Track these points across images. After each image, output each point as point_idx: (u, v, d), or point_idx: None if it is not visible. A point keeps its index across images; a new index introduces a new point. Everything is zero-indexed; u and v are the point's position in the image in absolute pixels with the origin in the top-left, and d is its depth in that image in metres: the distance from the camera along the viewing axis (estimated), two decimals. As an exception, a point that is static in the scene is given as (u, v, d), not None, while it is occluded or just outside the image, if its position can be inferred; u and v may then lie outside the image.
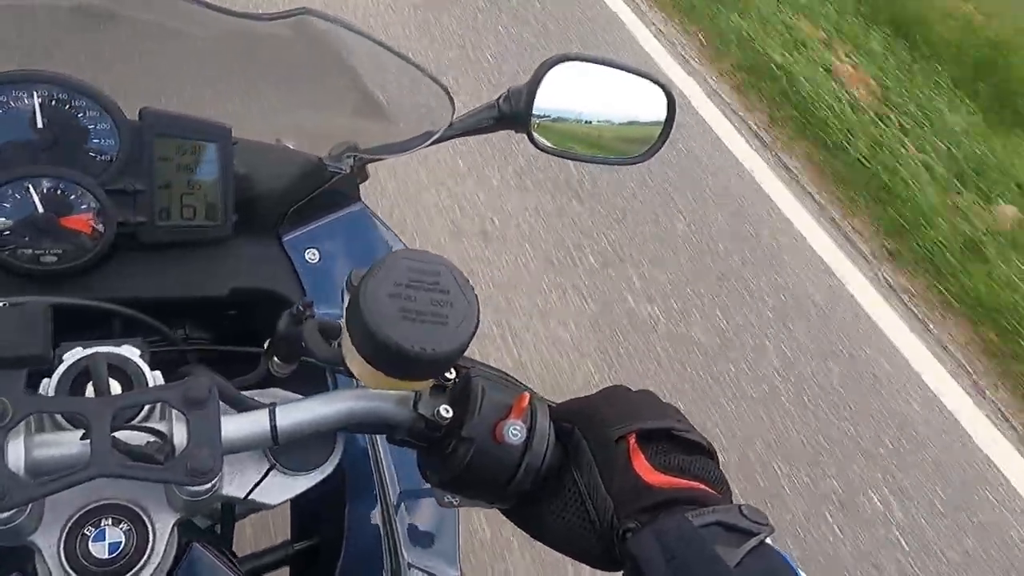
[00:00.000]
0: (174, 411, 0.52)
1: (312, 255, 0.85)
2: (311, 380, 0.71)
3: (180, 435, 0.51)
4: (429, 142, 0.81)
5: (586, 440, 0.56)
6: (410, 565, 0.76)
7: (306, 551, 0.85)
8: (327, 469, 0.62)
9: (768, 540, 0.49)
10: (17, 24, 0.75)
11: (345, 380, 0.74)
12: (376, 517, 0.77)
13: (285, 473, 0.61)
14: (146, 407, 0.54)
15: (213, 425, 0.51)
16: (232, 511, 0.75)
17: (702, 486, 0.53)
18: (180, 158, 0.75)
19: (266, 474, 0.60)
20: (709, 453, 0.57)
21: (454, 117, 0.86)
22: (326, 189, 0.85)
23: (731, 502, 0.53)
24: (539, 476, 0.56)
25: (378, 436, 0.81)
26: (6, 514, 0.47)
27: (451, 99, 0.78)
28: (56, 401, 0.52)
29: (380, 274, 0.48)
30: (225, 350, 0.76)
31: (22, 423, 0.47)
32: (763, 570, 0.47)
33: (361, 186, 0.94)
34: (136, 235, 0.75)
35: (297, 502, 0.93)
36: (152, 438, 0.52)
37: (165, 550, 0.56)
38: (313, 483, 0.62)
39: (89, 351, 0.56)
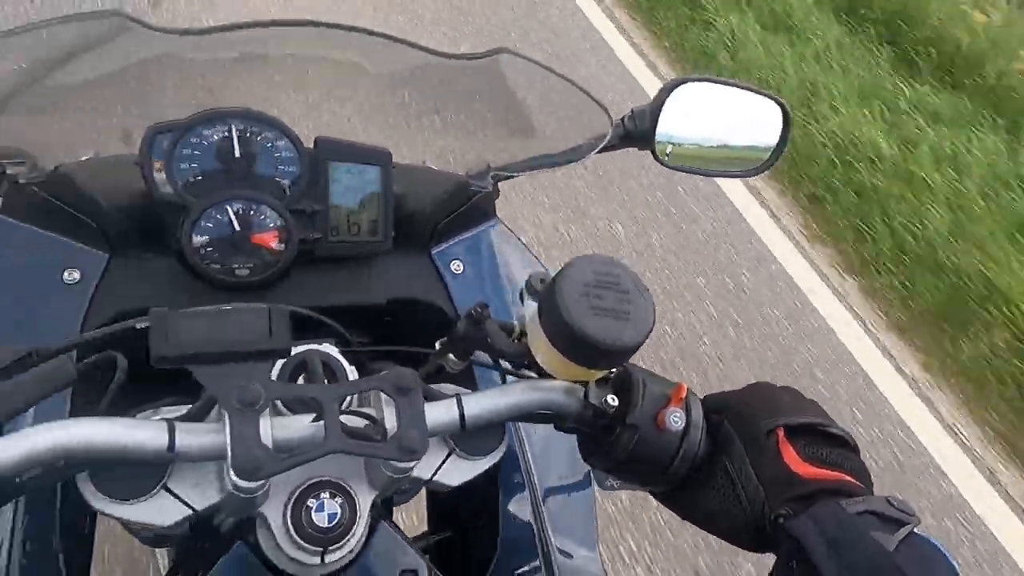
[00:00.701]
0: (384, 397, 0.60)
1: (457, 266, 0.93)
2: (459, 378, 0.79)
3: (390, 419, 0.59)
4: (562, 163, 0.88)
5: (736, 432, 0.62)
6: (558, 549, 0.82)
7: (443, 541, 0.93)
8: (498, 455, 0.69)
9: (917, 530, 0.53)
10: (204, 65, 0.85)
11: (488, 378, 0.81)
12: (525, 506, 0.84)
13: (463, 457, 0.68)
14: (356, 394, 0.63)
15: (419, 410, 0.58)
16: (391, 501, 0.83)
17: (848, 477, 0.58)
18: (349, 180, 0.85)
19: (447, 458, 0.68)
20: (852, 447, 0.61)
21: (611, 135, 0.93)
22: (469, 206, 0.93)
23: (875, 494, 0.58)
24: (694, 463, 0.62)
25: (524, 433, 0.88)
26: (256, 484, 0.55)
27: (609, 116, 0.85)
28: (296, 387, 0.60)
29: (572, 276, 0.55)
30: (396, 350, 0.84)
31: (267, 408, 0.56)
32: (918, 556, 0.51)
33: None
34: (312, 250, 0.84)
35: (434, 495, 1.01)
36: (367, 422, 0.60)
37: (366, 524, 0.64)
38: (486, 467, 0.69)
39: (304, 348, 0.65)
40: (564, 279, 0.55)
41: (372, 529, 0.69)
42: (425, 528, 1.01)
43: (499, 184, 1.00)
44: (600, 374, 0.59)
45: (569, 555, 0.84)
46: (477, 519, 0.90)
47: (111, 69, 0.76)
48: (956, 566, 0.51)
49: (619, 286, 0.56)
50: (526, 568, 0.81)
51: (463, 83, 0.88)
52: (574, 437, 0.89)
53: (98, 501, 0.56)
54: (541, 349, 0.57)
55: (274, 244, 0.81)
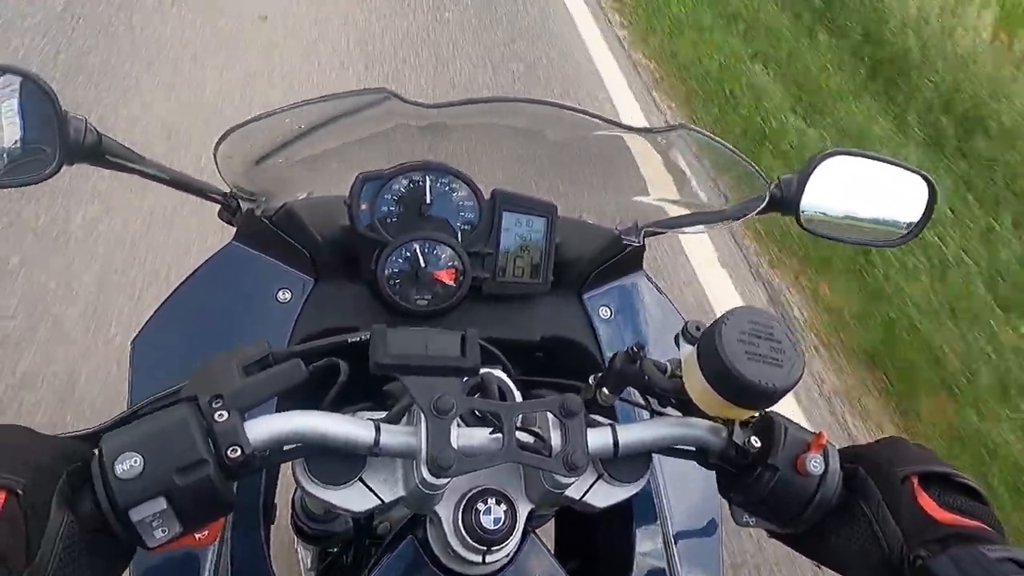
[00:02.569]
0: (551, 419, 0.69)
1: (605, 312, 1.02)
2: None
3: (556, 438, 0.68)
4: (718, 223, 0.96)
5: (872, 479, 0.67)
6: None
7: (571, 568, 1.00)
8: (642, 483, 0.76)
9: None
10: (392, 137, 0.99)
11: (628, 417, 0.88)
12: (656, 540, 0.90)
13: (610, 483, 0.76)
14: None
15: (582, 431, 0.67)
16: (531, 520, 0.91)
17: (984, 526, 0.61)
18: (518, 228, 0.96)
19: (595, 482, 0.76)
20: (983, 499, 0.65)
21: (728, 205, 1.01)
22: (619, 258, 1.02)
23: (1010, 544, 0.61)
24: (828, 507, 0.67)
25: (660, 473, 0.95)
26: (442, 481, 0.65)
27: (768, 185, 0.93)
28: (482, 403, 0.70)
29: (731, 324, 0.62)
30: (548, 382, 0.93)
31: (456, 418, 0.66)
32: None
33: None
34: (481, 288, 0.95)
35: (564, 523, 1.08)
36: (535, 439, 0.69)
37: (521, 532, 0.72)
38: (630, 494, 0.76)
39: (483, 372, 0.75)
40: (725, 326, 0.62)
41: (524, 539, 0.78)
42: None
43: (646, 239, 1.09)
44: (748, 414, 0.66)
45: None
46: (608, 548, 0.96)
47: (355, 132, 0.91)
48: None
49: (772, 336, 0.63)
50: None
51: (636, 149, 0.98)
52: (704, 478, 0.95)
53: (308, 483, 0.68)
54: (696, 387, 0.65)
55: (450, 280, 0.93)
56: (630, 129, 0.91)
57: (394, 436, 0.66)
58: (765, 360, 0.61)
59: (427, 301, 0.92)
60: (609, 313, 1.02)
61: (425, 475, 0.63)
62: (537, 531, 1.05)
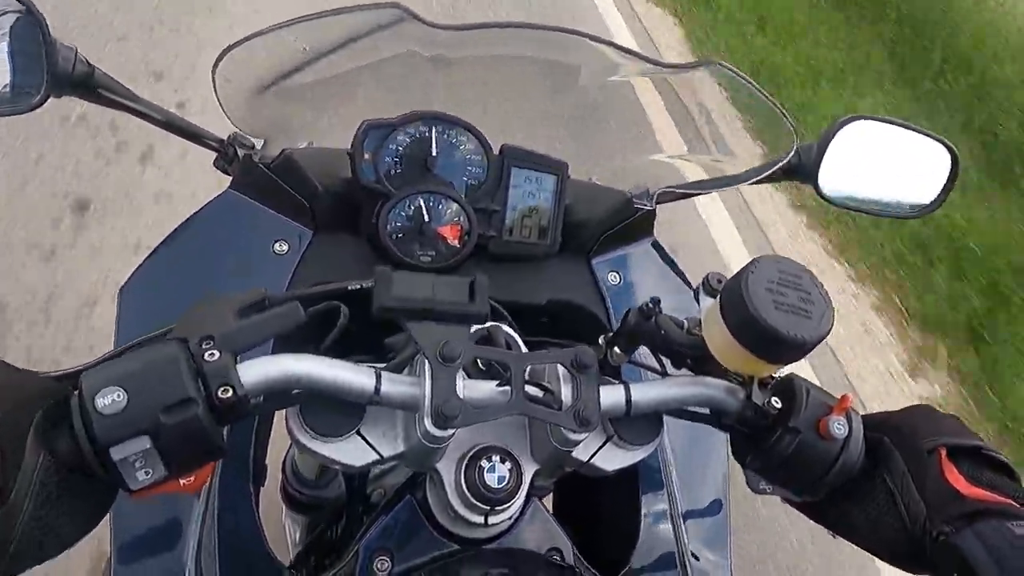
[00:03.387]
0: (560, 373, 0.65)
1: (614, 277, 0.98)
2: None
3: (566, 392, 0.64)
4: (722, 187, 0.92)
5: (897, 448, 0.63)
6: (694, 554, 0.84)
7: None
8: (653, 446, 0.73)
9: None
10: (401, 70, 0.94)
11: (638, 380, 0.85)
12: (662, 508, 0.87)
13: (619, 445, 0.72)
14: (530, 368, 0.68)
15: (594, 385, 0.63)
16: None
17: (1013, 502, 0.58)
18: (527, 186, 0.92)
19: (603, 444, 0.72)
20: (1013, 475, 0.62)
21: (747, 168, 0.97)
22: (630, 222, 0.99)
23: None
24: (850, 474, 0.63)
25: (667, 436, 0.91)
26: (446, 433, 0.61)
27: (796, 139, 0.89)
28: (490, 351, 0.66)
29: (757, 273, 0.59)
30: (558, 343, 0.89)
31: (461, 368, 0.62)
32: None
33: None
34: (486, 247, 0.91)
35: (562, 488, 1.05)
36: (544, 392, 0.65)
37: (525, 493, 0.69)
38: (640, 458, 0.73)
39: (488, 324, 0.71)
40: (752, 275, 0.59)
41: (528, 502, 0.74)
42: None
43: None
44: (772, 368, 0.62)
45: (701, 556, 0.85)
46: (612, 516, 0.93)
47: (363, 60, 0.86)
48: None
49: (801, 287, 0.59)
50: (662, 573, 0.83)
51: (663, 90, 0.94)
52: (711, 449, 0.91)
53: (302, 435, 0.64)
54: (719, 341, 0.61)
55: (455, 237, 0.89)
56: (658, 64, 0.87)
57: (396, 385, 0.62)
58: (793, 310, 0.58)
59: (430, 258, 0.88)
60: (618, 279, 0.98)
61: (428, 426, 0.59)
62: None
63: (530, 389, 0.64)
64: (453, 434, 0.63)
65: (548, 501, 1.07)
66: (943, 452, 0.61)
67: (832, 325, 0.58)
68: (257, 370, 0.57)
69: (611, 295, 0.96)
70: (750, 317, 0.57)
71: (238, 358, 0.56)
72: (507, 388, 0.62)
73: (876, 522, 0.62)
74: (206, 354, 0.54)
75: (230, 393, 0.53)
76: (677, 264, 1.04)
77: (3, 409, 0.48)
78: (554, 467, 0.72)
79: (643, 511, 0.86)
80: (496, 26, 0.79)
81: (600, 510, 0.96)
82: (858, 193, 1.00)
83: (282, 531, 1.54)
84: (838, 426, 0.62)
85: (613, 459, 0.72)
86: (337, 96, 0.91)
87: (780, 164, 0.97)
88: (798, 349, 0.57)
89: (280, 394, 0.61)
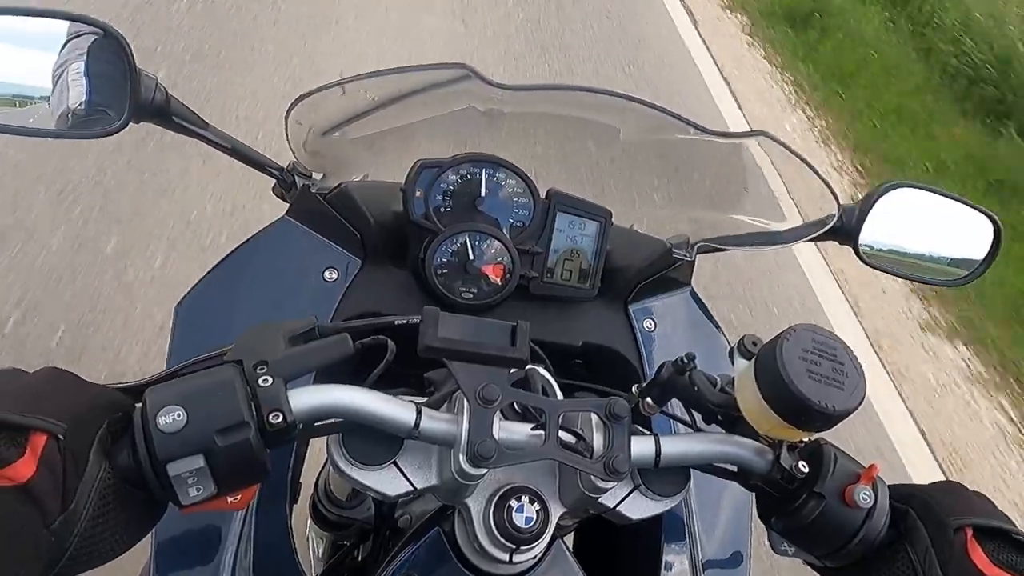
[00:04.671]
0: (593, 422, 0.67)
1: (649, 324, 1.00)
2: None
3: (598, 441, 0.66)
4: (774, 245, 0.94)
5: (923, 523, 0.64)
6: None
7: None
8: (679, 498, 0.74)
9: None
10: (458, 122, 0.98)
11: (666, 432, 0.86)
12: (684, 559, 0.88)
13: (646, 495, 0.73)
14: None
15: (627, 437, 0.65)
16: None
17: None
18: (570, 230, 0.94)
19: (630, 492, 0.74)
20: None
21: (785, 228, 0.99)
22: (668, 271, 1.01)
23: None
24: (872, 544, 0.64)
25: (692, 488, 0.92)
26: (480, 471, 0.63)
27: (839, 206, 0.90)
28: (527, 396, 0.68)
29: (792, 341, 0.60)
30: (593, 388, 0.91)
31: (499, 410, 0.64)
32: None
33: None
34: (527, 287, 0.94)
35: (583, 531, 1.06)
36: (576, 439, 0.67)
37: (549, 535, 0.70)
38: (666, 508, 0.74)
39: (527, 367, 0.74)
40: (787, 342, 0.60)
41: (551, 544, 0.76)
42: None
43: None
44: (802, 435, 0.63)
45: None
46: (632, 563, 0.94)
47: (424, 112, 0.91)
48: None
49: (835, 357, 0.60)
50: None
51: (706, 156, 0.96)
52: (736, 504, 0.92)
53: (342, 462, 0.66)
54: (750, 404, 0.63)
55: (497, 276, 0.91)
56: (709, 132, 0.90)
57: (435, 421, 0.64)
58: (826, 381, 0.59)
59: (472, 295, 0.91)
60: (653, 326, 1.00)
61: (463, 464, 0.62)
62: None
63: (563, 435, 0.66)
64: (486, 473, 0.65)
65: (568, 538, 1.09)
66: (970, 532, 0.61)
67: (864, 396, 0.59)
68: (306, 398, 0.60)
69: (646, 342, 0.98)
70: (783, 385, 0.59)
71: (288, 384, 0.59)
72: (541, 432, 0.64)
73: None
74: (260, 379, 0.57)
75: (280, 419, 0.56)
76: (713, 315, 1.05)
77: (71, 420, 0.51)
78: (580, 510, 0.74)
79: (664, 559, 0.87)
80: (557, 88, 0.82)
81: (621, 554, 0.97)
82: (897, 258, 1.01)
83: (305, 544, 1.56)
84: (864, 496, 0.63)
85: (639, 508, 0.73)
86: (396, 140, 0.95)
87: (824, 228, 0.99)
88: (828, 419, 0.59)
89: (324, 422, 0.63)
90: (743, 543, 0.91)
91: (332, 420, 0.64)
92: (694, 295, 1.05)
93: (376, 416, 0.63)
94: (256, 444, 0.55)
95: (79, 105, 0.87)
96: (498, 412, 0.64)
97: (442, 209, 0.90)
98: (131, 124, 0.82)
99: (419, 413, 0.64)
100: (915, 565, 0.62)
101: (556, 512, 0.71)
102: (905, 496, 0.67)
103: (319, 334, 0.66)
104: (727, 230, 1.04)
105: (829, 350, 0.61)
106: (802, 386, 0.58)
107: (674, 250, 1.00)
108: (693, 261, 1.03)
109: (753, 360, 0.63)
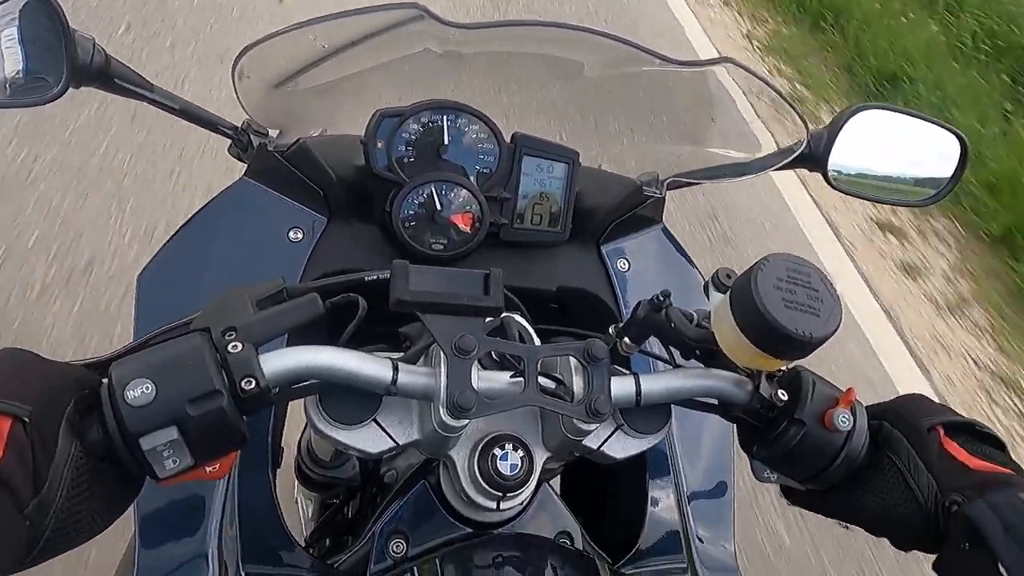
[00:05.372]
0: (572, 365, 0.67)
1: (623, 264, 0.99)
2: None
3: (578, 384, 0.65)
4: (743, 176, 0.93)
5: (898, 431, 0.65)
6: (699, 537, 0.87)
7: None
8: (661, 435, 0.74)
9: None
10: (415, 66, 0.95)
11: (646, 369, 0.87)
12: (669, 494, 0.89)
13: (629, 434, 0.74)
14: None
15: (606, 378, 0.65)
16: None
17: (1013, 472, 0.61)
18: (538, 173, 0.93)
19: (613, 432, 0.74)
20: (1006, 448, 0.64)
21: (757, 155, 0.98)
22: (639, 209, 0.99)
23: None
24: (854, 464, 0.65)
25: (674, 423, 0.93)
26: (460, 423, 0.63)
27: (807, 130, 0.89)
28: (504, 344, 0.68)
29: (767, 271, 0.60)
30: (569, 332, 0.91)
31: (477, 359, 0.63)
32: None
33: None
34: (498, 234, 0.92)
35: (569, 473, 1.07)
36: (556, 384, 0.67)
37: (536, 480, 0.71)
38: (648, 446, 0.74)
39: (503, 315, 0.73)
40: (761, 272, 0.60)
41: (539, 488, 0.76)
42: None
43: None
44: (779, 364, 0.64)
45: (708, 542, 0.88)
46: (618, 502, 0.95)
47: (379, 58, 0.87)
48: None
49: (810, 284, 0.60)
50: (668, 556, 0.85)
51: (672, 87, 0.95)
52: (718, 436, 0.93)
53: (322, 423, 0.66)
54: (727, 336, 0.62)
55: (466, 225, 0.90)
56: (673, 62, 0.87)
57: (412, 376, 0.63)
58: (802, 308, 0.59)
59: (442, 245, 0.90)
60: (627, 266, 0.99)
61: (444, 416, 0.61)
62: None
63: (543, 380, 0.65)
64: (467, 424, 0.64)
65: (556, 482, 1.10)
66: (941, 430, 0.64)
67: (840, 322, 0.59)
68: (278, 362, 0.59)
69: (620, 282, 0.98)
70: (759, 315, 0.58)
71: (259, 349, 0.58)
72: (520, 380, 0.64)
73: (889, 503, 0.64)
74: (229, 346, 0.56)
75: (253, 384, 0.55)
76: (686, 251, 1.05)
77: (36, 401, 0.50)
78: (565, 454, 0.74)
79: (650, 495, 0.88)
80: (514, 24, 0.79)
81: (607, 494, 0.98)
82: (867, 181, 1.01)
83: (295, 507, 1.57)
84: (843, 419, 0.64)
85: (622, 447, 0.74)
86: (352, 89, 0.91)
87: (793, 154, 0.98)
88: (805, 346, 0.59)
89: (300, 384, 0.62)
90: (726, 473, 0.92)
91: (308, 382, 0.63)
92: (666, 232, 1.04)
93: (352, 375, 0.62)
94: (231, 412, 0.53)
95: (16, 74, 0.84)
96: (476, 362, 0.63)
97: (405, 160, 0.88)
98: (72, 89, 0.78)
99: (396, 369, 0.63)
100: (901, 470, 0.64)
101: (541, 457, 0.71)
102: (878, 412, 0.68)
103: (288, 296, 0.64)
104: (697, 163, 1.03)
105: (804, 277, 0.60)
106: (778, 315, 0.58)
107: (644, 188, 0.99)
108: (663, 198, 1.01)
109: (728, 293, 0.62)
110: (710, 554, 0.86)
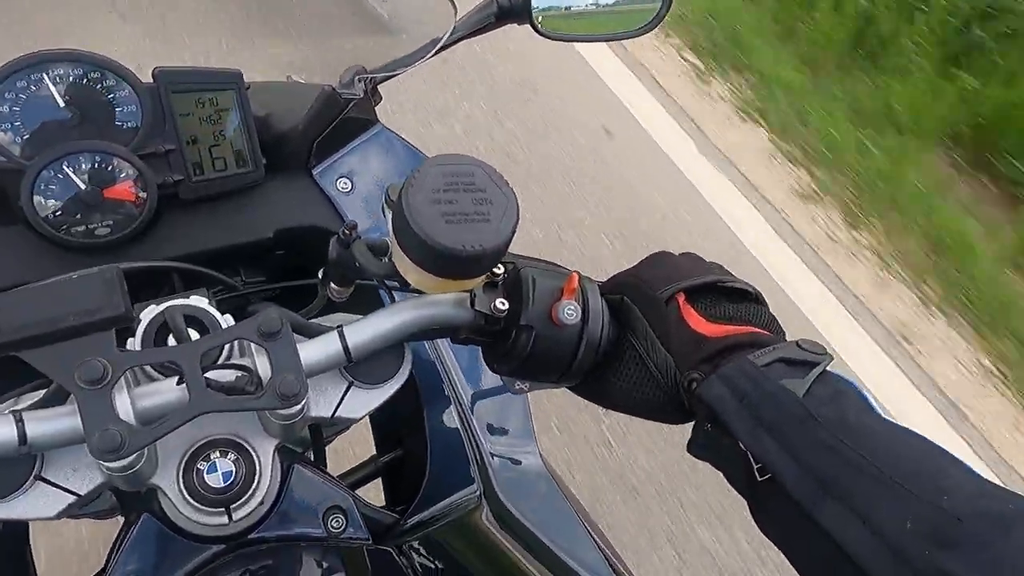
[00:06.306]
0: (253, 345, 0.56)
1: (344, 184, 0.87)
2: (369, 301, 0.75)
3: (264, 366, 0.55)
4: (435, 51, 0.81)
5: (636, 306, 0.59)
6: (492, 454, 0.81)
7: (392, 461, 0.91)
8: (400, 379, 0.65)
9: (829, 368, 0.51)
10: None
11: (402, 294, 0.78)
12: (454, 418, 0.82)
13: (363, 388, 0.64)
14: (227, 346, 0.58)
15: (291, 351, 0.54)
16: (321, 435, 0.80)
17: (756, 330, 0.55)
18: (200, 111, 0.77)
19: (346, 391, 0.64)
20: (756, 299, 0.59)
21: (457, 20, 0.86)
22: (345, 117, 0.86)
23: (785, 341, 0.56)
24: (599, 350, 0.59)
25: (443, 343, 0.85)
26: (128, 460, 0.51)
27: (452, 2, 0.78)
28: (147, 353, 0.55)
29: (418, 183, 0.50)
30: (283, 286, 0.79)
31: (122, 379, 0.51)
32: (830, 395, 0.49)
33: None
34: (177, 194, 0.78)
35: (376, 418, 0.99)
36: (239, 373, 0.56)
37: (272, 473, 0.61)
38: (390, 394, 0.66)
39: (163, 306, 0.60)
40: (411, 188, 0.50)
41: (287, 475, 0.67)
42: (373, 452, 1.00)
43: (379, 87, 0.93)
44: (470, 284, 0.55)
45: (505, 456, 0.83)
46: (412, 436, 0.88)
47: None
48: (868, 397, 0.49)
49: (473, 186, 0.51)
50: (459, 474, 0.80)
51: None
52: None
53: None
54: (406, 268, 0.53)
55: (131, 196, 0.74)
56: None
57: (47, 424, 0.51)
58: (467, 219, 0.49)
59: (108, 229, 0.74)
60: (348, 184, 0.87)
61: (98, 460, 0.49)
62: (332, 439, 0.95)
63: (217, 376, 0.54)
64: (143, 456, 0.53)
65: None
66: (681, 297, 0.57)
67: (517, 220, 0.51)
68: None
69: (345, 205, 0.86)
70: (420, 241, 0.49)
71: None
72: (185, 386, 0.52)
73: (632, 386, 0.58)
74: None
75: None
76: (414, 146, 0.94)
77: None
78: (298, 434, 0.65)
79: (428, 424, 0.81)
80: None
81: (405, 431, 0.91)
82: (577, 21, 0.92)
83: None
84: (569, 311, 0.57)
85: (363, 403, 0.65)
86: None
87: (491, 10, 0.87)
88: (484, 260, 0.50)
89: None
90: None
91: None
92: (386, 132, 0.92)
93: None
94: None
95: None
96: (123, 384, 0.51)
97: (17, 139, 0.70)
98: None
99: (20, 422, 0.50)
100: (639, 351, 0.58)
101: (267, 449, 0.61)
102: (618, 286, 0.62)
103: None
104: (398, 50, 0.90)
105: (465, 181, 0.51)
106: (440, 236, 0.48)
107: (341, 92, 0.86)
108: (369, 95, 0.89)
109: (391, 217, 0.52)
110: (511, 467, 0.81)
